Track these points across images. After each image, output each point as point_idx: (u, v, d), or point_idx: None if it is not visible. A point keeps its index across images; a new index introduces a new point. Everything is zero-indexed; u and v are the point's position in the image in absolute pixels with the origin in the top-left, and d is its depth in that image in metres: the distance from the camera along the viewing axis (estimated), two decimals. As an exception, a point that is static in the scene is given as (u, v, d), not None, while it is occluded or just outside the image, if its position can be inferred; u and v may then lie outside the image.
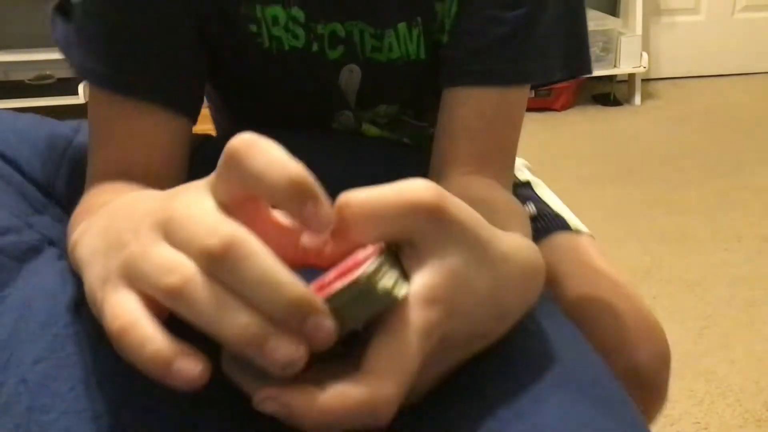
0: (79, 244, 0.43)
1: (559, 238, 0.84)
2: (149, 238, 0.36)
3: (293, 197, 0.33)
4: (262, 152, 0.34)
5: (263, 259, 0.33)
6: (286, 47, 0.67)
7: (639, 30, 3.06)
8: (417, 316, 0.35)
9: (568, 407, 0.46)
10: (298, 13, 0.66)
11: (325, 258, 0.38)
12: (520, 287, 0.42)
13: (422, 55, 0.69)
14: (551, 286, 0.74)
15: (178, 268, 0.33)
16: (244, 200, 0.36)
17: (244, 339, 0.32)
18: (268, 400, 0.35)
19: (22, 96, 2.66)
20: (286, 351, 0.33)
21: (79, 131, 0.70)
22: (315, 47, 0.67)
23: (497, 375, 0.47)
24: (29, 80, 2.80)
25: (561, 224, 0.89)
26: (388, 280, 0.35)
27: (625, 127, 2.90)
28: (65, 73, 2.75)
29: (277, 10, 0.65)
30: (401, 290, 0.36)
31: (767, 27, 3.37)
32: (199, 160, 0.66)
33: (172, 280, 0.33)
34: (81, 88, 2.58)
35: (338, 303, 0.34)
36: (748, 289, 1.81)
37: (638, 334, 0.73)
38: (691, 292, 1.80)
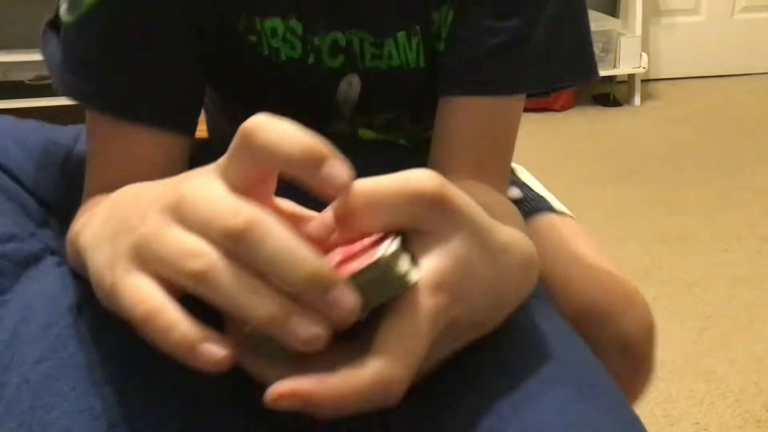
0: (82, 233, 0.43)
1: (545, 218, 0.86)
2: (160, 221, 0.36)
3: (309, 163, 0.35)
4: (276, 128, 0.35)
5: (284, 236, 0.33)
6: (284, 57, 0.67)
7: (639, 30, 3.06)
8: (427, 301, 0.36)
9: (567, 405, 0.47)
10: (296, 25, 0.66)
11: (330, 247, 0.39)
12: (517, 278, 0.43)
13: (422, 64, 0.69)
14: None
15: (200, 251, 0.34)
16: (254, 183, 0.37)
17: (268, 317, 0.33)
18: (281, 398, 0.35)
19: (22, 96, 2.66)
20: (309, 327, 0.34)
21: (78, 139, 0.70)
22: (311, 59, 0.67)
23: (497, 372, 0.47)
24: (29, 80, 2.80)
25: (546, 206, 0.91)
26: (402, 264, 0.36)
27: (625, 128, 2.90)
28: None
29: (277, 23, 0.65)
30: (414, 275, 0.37)
31: (767, 27, 3.37)
32: (199, 164, 0.66)
33: (196, 264, 0.34)
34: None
35: (356, 283, 0.35)
36: (747, 290, 1.81)
37: (623, 305, 0.75)
38: (690, 293, 1.80)
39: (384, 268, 0.36)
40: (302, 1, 0.65)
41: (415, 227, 0.38)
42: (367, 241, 0.38)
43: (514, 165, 1.00)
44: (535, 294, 0.58)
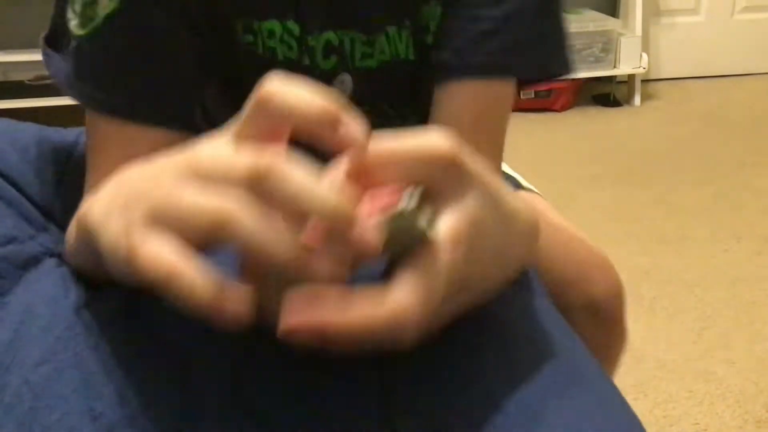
0: (90, 211, 0.42)
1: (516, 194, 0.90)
2: (176, 182, 0.37)
3: (325, 123, 0.37)
4: (292, 89, 0.37)
5: (303, 175, 0.35)
6: (280, 57, 0.68)
7: (639, 31, 3.06)
8: (444, 255, 0.37)
9: (569, 403, 0.47)
10: (294, 26, 0.67)
11: None
12: (522, 244, 0.45)
13: (411, 56, 0.70)
14: None
15: (220, 199, 0.35)
16: (267, 146, 0.38)
17: (291, 255, 0.35)
18: (295, 330, 0.36)
19: (22, 96, 2.66)
20: (330, 265, 0.35)
21: (78, 143, 0.70)
22: (306, 60, 0.68)
23: (502, 373, 0.47)
24: (29, 81, 2.80)
25: (515, 183, 0.95)
26: (423, 216, 0.37)
27: (625, 128, 2.90)
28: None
29: (274, 24, 0.66)
30: (432, 229, 0.37)
31: (767, 28, 3.37)
32: None
33: (218, 211, 0.35)
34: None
35: (382, 231, 0.36)
36: (747, 290, 1.81)
37: (592, 271, 0.78)
38: (690, 293, 1.81)
39: (407, 220, 0.36)
40: (300, 2, 0.66)
41: (429, 186, 0.39)
42: (386, 193, 0.39)
43: None
44: (536, 291, 0.58)
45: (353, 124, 0.37)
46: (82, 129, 0.68)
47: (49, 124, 0.73)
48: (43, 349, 0.46)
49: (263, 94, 0.37)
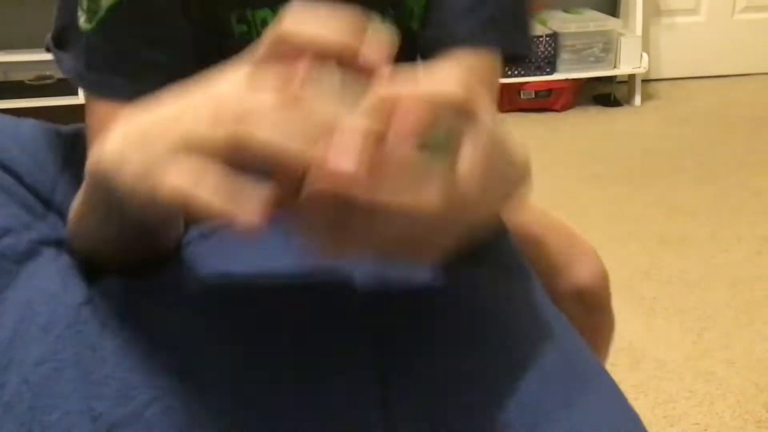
0: (103, 156, 0.43)
1: None
2: (196, 114, 0.38)
3: (345, 55, 0.38)
4: (309, 24, 0.38)
5: (327, 107, 0.36)
6: None
7: (639, 31, 3.06)
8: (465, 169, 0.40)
9: (570, 402, 0.47)
10: None
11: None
12: (517, 183, 0.49)
13: (395, 44, 0.72)
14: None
15: (241, 109, 0.36)
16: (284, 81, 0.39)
17: (311, 153, 0.35)
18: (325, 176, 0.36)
19: (22, 96, 2.66)
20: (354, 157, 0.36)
21: (80, 136, 0.71)
22: None
23: (502, 371, 0.47)
24: (29, 80, 2.80)
25: None
26: (445, 139, 0.39)
27: (625, 128, 2.90)
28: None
29: (267, 13, 0.68)
30: (452, 155, 0.39)
31: (767, 28, 3.37)
32: None
33: (240, 110, 0.36)
34: (81, 89, 2.58)
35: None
36: (748, 290, 1.81)
37: (578, 259, 0.80)
38: (691, 293, 1.80)
39: (441, 137, 0.38)
40: None
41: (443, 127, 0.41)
42: None
43: None
44: (536, 287, 0.58)
45: (373, 53, 0.38)
46: (82, 125, 0.69)
47: (49, 123, 0.73)
48: (43, 349, 0.46)
49: (279, 33, 0.38)
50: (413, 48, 0.71)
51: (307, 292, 0.49)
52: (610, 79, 3.15)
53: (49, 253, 0.55)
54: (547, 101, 3.01)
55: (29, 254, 0.54)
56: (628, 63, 3.00)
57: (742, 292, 1.81)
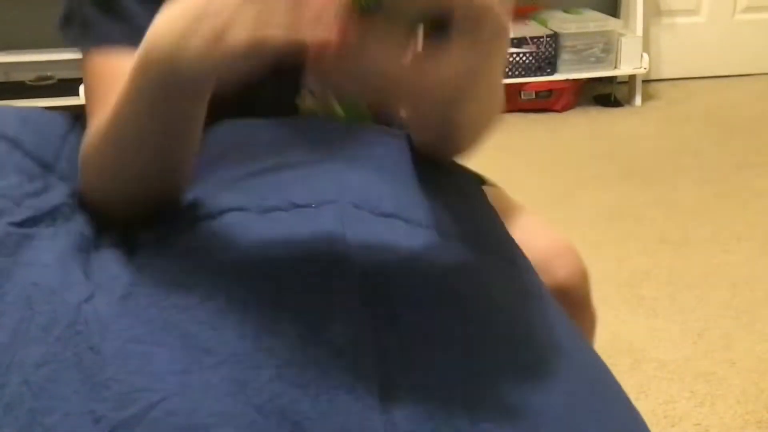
0: (155, 45, 0.49)
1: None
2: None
3: None
4: None
5: None
6: None
7: (639, 31, 3.06)
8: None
9: (575, 401, 0.47)
10: None
11: None
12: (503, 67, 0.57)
13: None
14: None
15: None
16: None
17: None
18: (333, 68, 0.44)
19: (23, 97, 2.66)
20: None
21: (80, 118, 0.72)
22: None
23: (505, 365, 0.47)
24: (30, 81, 2.80)
25: (478, 178, 0.97)
26: None
27: (626, 128, 2.90)
28: (66, 74, 2.75)
29: None
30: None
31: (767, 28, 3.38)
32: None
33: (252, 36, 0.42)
34: (81, 89, 2.58)
35: None
36: (748, 291, 1.81)
37: (557, 256, 0.81)
38: (691, 294, 1.80)
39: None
40: None
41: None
42: None
43: None
44: (539, 290, 0.58)
45: None
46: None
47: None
48: (44, 350, 0.46)
49: None
50: None
51: (308, 291, 0.49)
52: (610, 80, 3.15)
53: (45, 234, 0.55)
54: (547, 102, 3.01)
55: (23, 241, 0.54)
56: (629, 63, 2.99)
57: (742, 292, 1.81)
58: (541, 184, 2.39)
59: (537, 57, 2.89)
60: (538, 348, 0.51)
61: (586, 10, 3.09)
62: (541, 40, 2.89)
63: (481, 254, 0.58)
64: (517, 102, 3.00)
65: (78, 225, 0.58)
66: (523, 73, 2.91)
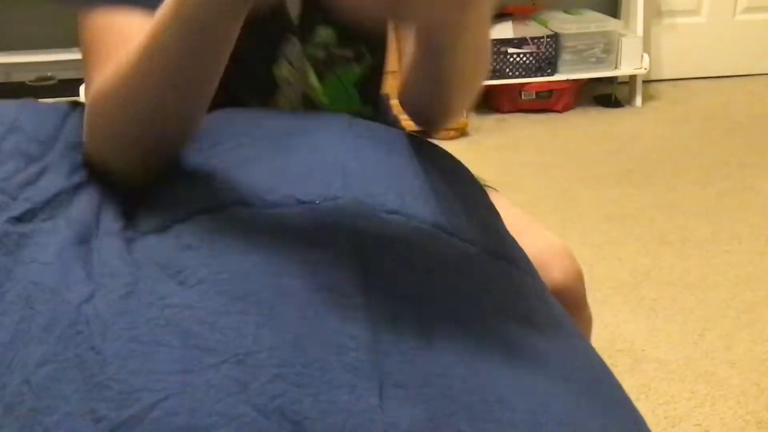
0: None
1: None
2: None
3: None
4: None
5: None
6: None
7: (640, 31, 3.06)
8: None
9: (576, 401, 0.47)
10: None
11: None
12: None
13: None
14: None
15: None
16: None
17: None
18: None
19: (23, 97, 2.66)
20: None
21: (79, 104, 0.72)
22: None
23: (506, 364, 0.47)
24: (30, 81, 2.80)
25: (474, 179, 0.98)
26: None
27: (626, 129, 2.90)
28: (66, 74, 2.75)
29: None
30: None
31: (768, 28, 3.37)
32: None
33: None
34: (81, 89, 2.58)
35: None
36: (749, 291, 1.81)
37: (552, 258, 0.82)
38: (691, 294, 1.80)
39: None
40: None
41: None
42: None
43: None
44: (540, 291, 0.58)
45: None
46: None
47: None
48: (45, 350, 0.46)
49: None
50: None
51: (309, 290, 0.49)
52: (611, 80, 3.15)
53: (44, 228, 0.55)
54: (548, 102, 3.01)
55: (22, 240, 0.54)
56: (629, 64, 2.99)
57: (743, 292, 1.81)
58: (542, 184, 2.39)
59: (537, 57, 2.89)
60: (539, 348, 0.51)
61: (586, 11, 3.09)
62: (542, 40, 2.89)
63: (483, 253, 0.58)
64: (517, 102, 3.00)
65: (78, 211, 0.57)
66: (523, 73, 2.91)
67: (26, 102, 0.70)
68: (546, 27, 2.95)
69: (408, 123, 0.81)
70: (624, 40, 2.98)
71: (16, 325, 0.48)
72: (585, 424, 0.47)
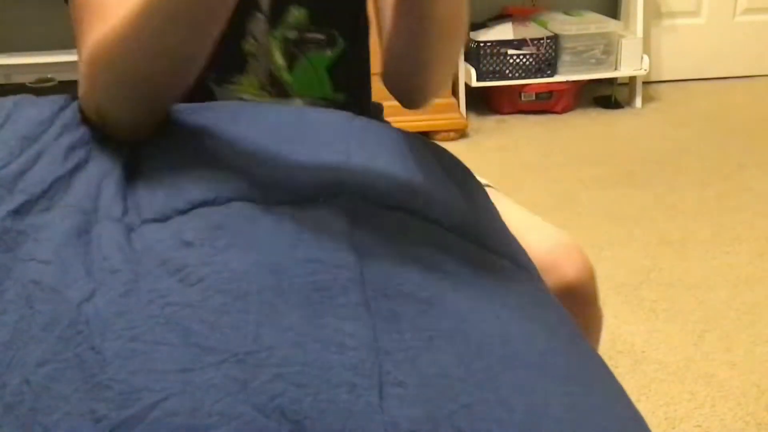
0: None
1: None
2: None
3: None
4: None
5: None
6: None
7: (640, 33, 3.06)
8: None
9: (576, 401, 0.47)
10: None
11: None
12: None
13: None
14: None
15: None
16: None
17: None
18: None
19: (24, 99, 2.66)
20: None
21: (75, 99, 0.72)
22: None
23: (506, 367, 0.47)
24: (30, 83, 2.80)
25: (474, 178, 0.99)
26: None
27: (626, 130, 2.90)
28: (66, 76, 2.75)
29: None
30: None
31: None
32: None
33: None
34: (82, 90, 2.58)
35: None
36: (749, 292, 1.81)
37: (565, 255, 0.82)
38: (691, 295, 1.80)
39: None
40: None
41: None
42: None
43: None
44: (541, 290, 0.58)
45: None
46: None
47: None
48: (45, 349, 0.46)
49: None
50: None
51: (309, 289, 0.49)
52: (610, 81, 3.15)
53: (43, 221, 0.54)
54: (547, 103, 3.01)
55: (20, 238, 0.53)
56: (629, 65, 3.00)
57: (743, 293, 1.81)
58: (542, 185, 2.39)
59: (537, 59, 2.90)
60: (540, 348, 0.51)
61: (586, 12, 3.09)
62: (542, 41, 2.89)
63: (484, 252, 0.58)
64: (517, 103, 3.00)
65: (76, 198, 0.57)
66: (523, 74, 2.91)
67: (24, 96, 0.70)
68: (546, 28, 2.95)
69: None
70: (624, 41, 2.98)
71: (16, 324, 0.48)
72: (585, 425, 0.47)
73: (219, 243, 0.51)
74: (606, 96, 3.14)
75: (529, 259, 0.64)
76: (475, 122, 2.93)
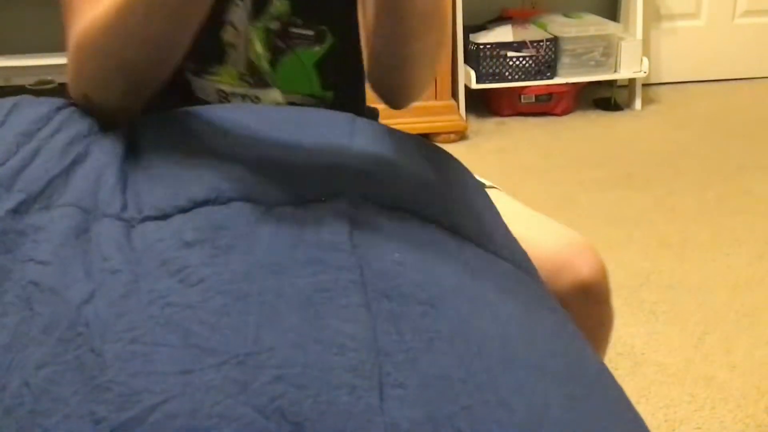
0: None
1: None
2: None
3: None
4: None
5: None
6: None
7: (639, 35, 3.06)
8: None
9: (576, 402, 0.47)
10: None
11: None
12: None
13: None
14: None
15: None
16: None
17: None
18: None
19: (23, 101, 2.66)
20: None
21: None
22: None
23: (505, 368, 0.47)
24: (30, 85, 2.80)
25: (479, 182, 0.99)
26: None
27: (626, 132, 2.90)
28: (66, 78, 2.75)
29: None
30: None
31: (767, 32, 3.37)
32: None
33: None
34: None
35: None
36: (749, 294, 1.81)
37: (578, 254, 0.82)
38: (691, 297, 1.80)
39: None
40: None
41: None
42: None
43: None
44: (542, 292, 0.58)
45: None
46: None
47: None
48: (44, 351, 0.46)
49: None
50: None
51: (309, 290, 0.49)
52: (610, 84, 3.16)
53: (42, 221, 0.54)
54: (547, 105, 3.01)
55: (18, 238, 0.53)
56: (629, 67, 3.00)
57: (742, 295, 1.81)
58: (541, 187, 2.39)
59: (537, 61, 2.90)
60: (540, 349, 0.51)
61: (585, 14, 3.10)
62: (541, 44, 2.89)
63: (485, 253, 0.58)
64: (516, 106, 3.00)
65: (74, 195, 0.56)
66: (522, 76, 2.91)
67: (23, 96, 0.71)
68: (545, 30, 2.96)
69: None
70: (623, 43, 2.98)
71: (16, 326, 0.47)
72: (585, 426, 0.47)
73: (220, 243, 0.51)
74: (606, 98, 3.14)
75: (529, 261, 0.64)
76: (475, 124, 2.93)
